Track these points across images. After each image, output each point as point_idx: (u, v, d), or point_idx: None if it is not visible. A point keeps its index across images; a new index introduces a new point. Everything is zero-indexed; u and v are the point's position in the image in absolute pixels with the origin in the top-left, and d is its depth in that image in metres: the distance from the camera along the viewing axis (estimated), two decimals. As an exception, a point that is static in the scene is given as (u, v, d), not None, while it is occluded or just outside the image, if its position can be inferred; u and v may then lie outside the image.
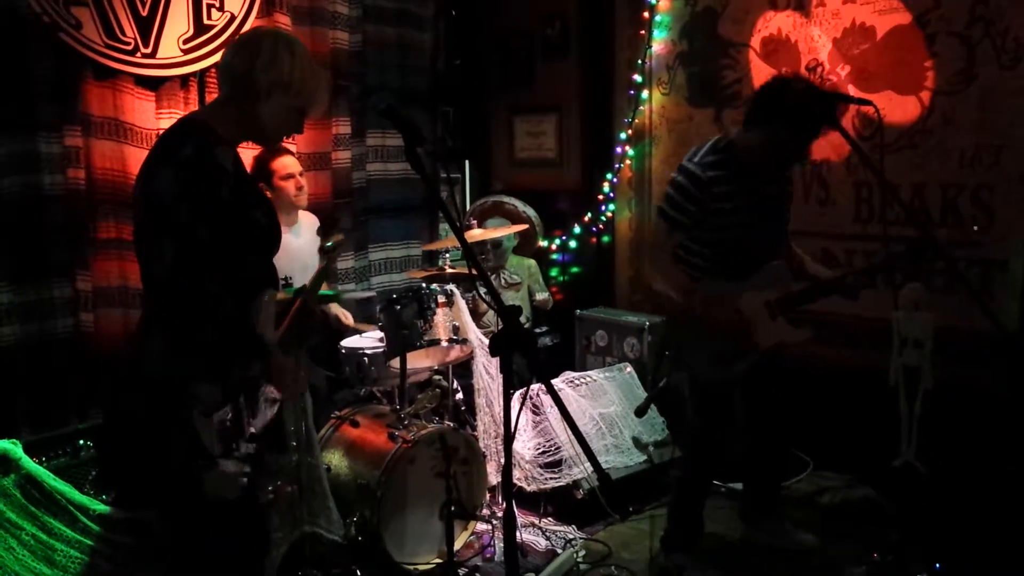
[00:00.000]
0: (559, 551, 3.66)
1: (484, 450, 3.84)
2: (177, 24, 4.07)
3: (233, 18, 4.25)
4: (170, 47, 4.05)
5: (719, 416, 3.40)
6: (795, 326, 3.27)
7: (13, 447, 3.16)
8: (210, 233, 2.02)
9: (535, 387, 4.05)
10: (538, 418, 4.12)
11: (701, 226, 3.18)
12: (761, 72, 4.60)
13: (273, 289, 2.25)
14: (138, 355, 2.12)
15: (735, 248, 3.21)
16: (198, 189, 2.02)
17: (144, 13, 3.97)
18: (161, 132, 2.20)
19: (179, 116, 4.09)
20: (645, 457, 4.24)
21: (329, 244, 2.52)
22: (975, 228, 3.78)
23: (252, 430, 2.15)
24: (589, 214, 5.49)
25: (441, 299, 3.80)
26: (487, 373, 4.05)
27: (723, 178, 3.15)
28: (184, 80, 4.16)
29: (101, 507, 3.29)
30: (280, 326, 2.23)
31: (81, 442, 3.52)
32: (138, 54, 3.95)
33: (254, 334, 2.13)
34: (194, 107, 4.20)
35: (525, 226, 4.99)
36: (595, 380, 4.47)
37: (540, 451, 4.03)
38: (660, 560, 3.49)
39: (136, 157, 4.00)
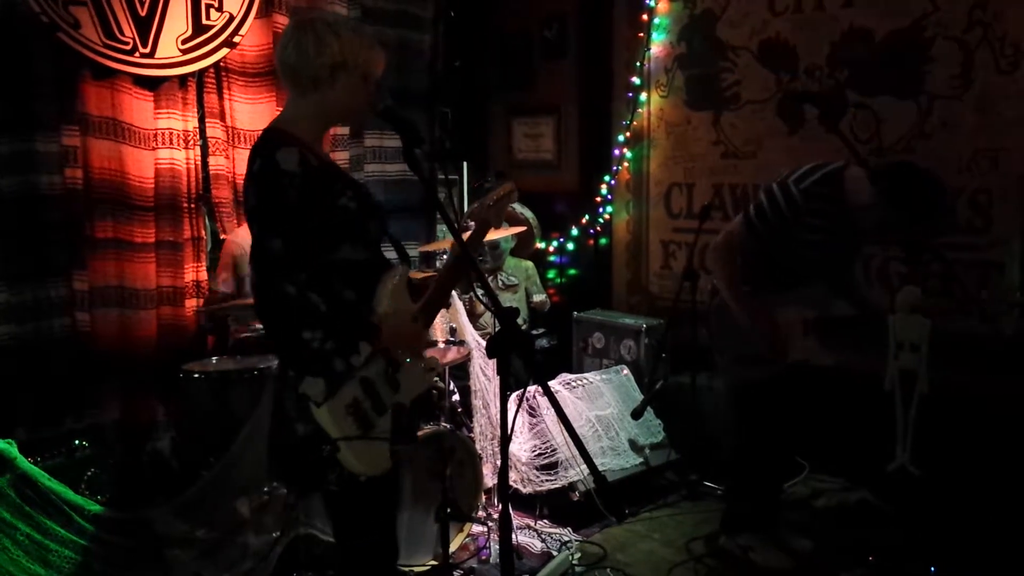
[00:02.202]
0: (555, 553, 3.66)
1: (480, 452, 3.84)
2: (176, 24, 4.07)
3: (232, 18, 4.25)
4: (169, 47, 4.05)
5: (751, 410, 3.43)
6: (827, 348, 3.27)
7: (8, 447, 3.16)
8: (283, 242, 2.05)
9: (532, 389, 4.05)
10: (535, 420, 4.12)
11: (775, 242, 3.21)
12: (759, 76, 4.61)
13: (405, 266, 2.33)
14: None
15: (795, 268, 3.26)
16: (267, 201, 2.09)
17: (143, 13, 3.97)
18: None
19: (176, 116, 4.12)
20: (641, 459, 4.24)
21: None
22: (983, 293, 3.75)
23: (397, 401, 2.23)
24: (587, 216, 5.50)
25: (438, 300, 3.79)
26: (484, 375, 4.05)
27: (819, 211, 3.15)
28: (183, 80, 4.16)
29: (96, 507, 3.29)
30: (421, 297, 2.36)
31: (77, 442, 3.52)
32: (136, 54, 3.95)
33: (359, 320, 2.20)
34: (192, 107, 4.21)
35: (523, 228, 4.99)
36: (592, 382, 4.47)
37: (536, 453, 4.03)
38: (723, 542, 3.51)
39: (134, 157, 4.00)
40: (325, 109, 2.24)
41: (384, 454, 2.19)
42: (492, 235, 4.48)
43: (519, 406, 3.99)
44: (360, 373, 2.15)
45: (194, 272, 4.29)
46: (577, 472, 3.92)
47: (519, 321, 4.78)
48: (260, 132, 2.22)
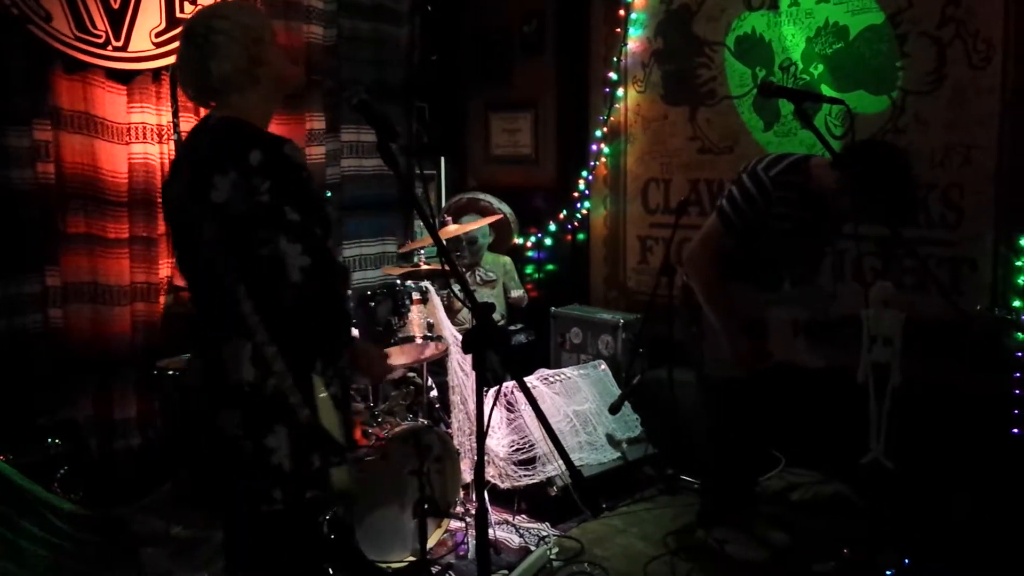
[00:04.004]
0: (532, 548, 3.66)
1: (458, 447, 3.83)
2: (149, 17, 4.02)
3: (206, 12, 4.21)
4: (142, 40, 4.01)
5: (725, 407, 3.46)
6: (813, 351, 3.28)
7: (-21, 445, 3.12)
8: (323, 231, 2.01)
9: (509, 384, 4.05)
10: (512, 415, 4.12)
11: (750, 233, 3.22)
12: (735, 71, 4.63)
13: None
14: (225, 370, 2.04)
15: (774, 260, 3.29)
16: (292, 186, 2.00)
17: (115, 6, 3.92)
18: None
19: (150, 110, 4.07)
20: (619, 454, 4.25)
21: None
22: (978, 307, 3.77)
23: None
24: (564, 211, 5.50)
25: (416, 296, 3.78)
26: (462, 370, 4.05)
27: (790, 200, 3.18)
28: (156, 74, 4.12)
29: (69, 505, 3.26)
30: None
31: (50, 440, 3.48)
32: (109, 47, 3.91)
33: (349, 325, 2.19)
34: (166, 101, 4.15)
35: (499, 216, 4.99)
36: (569, 377, 4.47)
37: (514, 448, 4.03)
38: (699, 536, 3.53)
39: (107, 151, 3.95)
40: (265, 91, 2.18)
41: (351, 472, 2.15)
42: (468, 227, 4.49)
43: (495, 401, 3.99)
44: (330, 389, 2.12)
45: (169, 268, 4.25)
46: (555, 467, 3.93)
47: (496, 316, 4.78)
48: (218, 120, 2.13)
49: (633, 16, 5.07)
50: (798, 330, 3.28)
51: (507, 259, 5.27)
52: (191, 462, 2.21)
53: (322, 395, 2.05)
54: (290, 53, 2.26)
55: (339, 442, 2.10)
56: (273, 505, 2.04)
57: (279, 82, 2.23)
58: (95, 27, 3.85)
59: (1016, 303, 3.67)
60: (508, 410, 4.13)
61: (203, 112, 4.39)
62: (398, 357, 3.96)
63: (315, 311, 2.04)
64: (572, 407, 4.30)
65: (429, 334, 3.79)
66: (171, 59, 4.12)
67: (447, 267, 2.13)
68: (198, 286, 2.18)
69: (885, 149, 3.24)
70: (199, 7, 4.15)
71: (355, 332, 2.25)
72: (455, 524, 3.77)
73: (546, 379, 4.37)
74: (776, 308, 3.28)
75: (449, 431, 3.96)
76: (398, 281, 3.92)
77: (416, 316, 3.75)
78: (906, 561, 3.16)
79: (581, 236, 5.54)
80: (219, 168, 1.99)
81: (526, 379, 4.13)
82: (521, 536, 3.79)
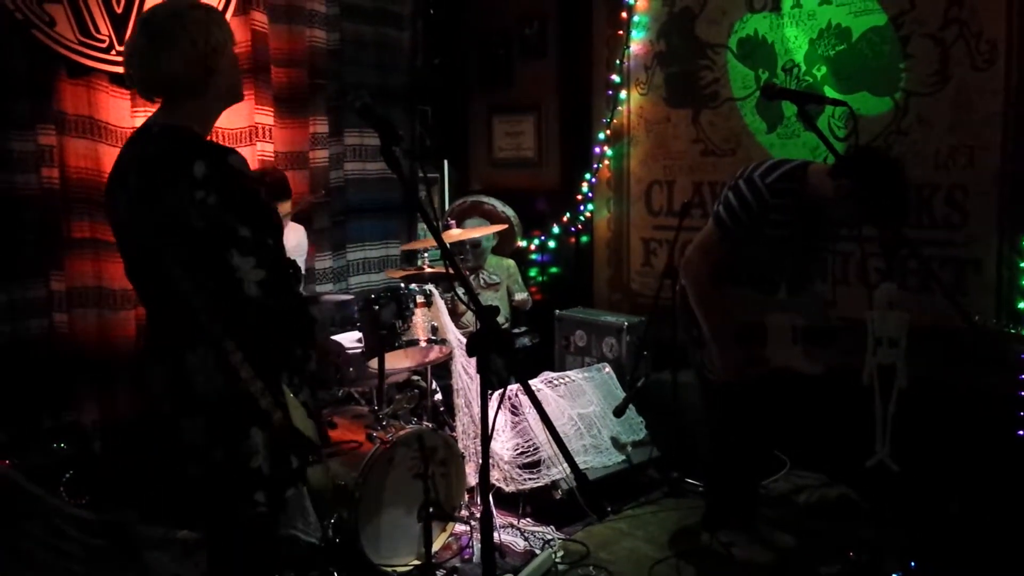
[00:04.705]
0: (537, 552, 3.66)
1: (463, 451, 3.83)
2: (152, 22, 4.03)
3: (209, 16, 4.21)
4: (145, 45, 4.01)
5: (727, 409, 3.44)
6: (812, 358, 3.28)
7: (-16, 449, 3.13)
8: (274, 240, 2.01)
9: (513, 387, 4.05)
10: (517, 418, 4.11)
11: (746, 239, 3.22)
12: (738, 73, 4.63)
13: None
14: (192, 380, 2.05)
15: (770, 264, 3.27)
16: (241, 199, 1.99)
17: (119, 11, 3.94)
18: (137, 148, 2.11)
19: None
20: (624, 457, 4.24)
21: None
22: (975, 318, 3.76)
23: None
24: (568, 214, 5.50)
25: (420, 299, 3.78)
26: (466, 373, 4.04)
27: (786, 207, 3.17)
28: (159, 78, 4.12)
29: (74, 509, 3.26)
30: None
31: (55, 444, 3.49)
32: (113, 52, 3.92)
33: (312, 331, 2.17)
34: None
35: (504, 226, 4.99)
36: (574, 380, 4.47)
37: (519, 451, 4.02)
38: (704, 539, 3.51)
39: (111, 156, 3.92)
40: (212, 98, 2.16)
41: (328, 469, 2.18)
42: (472, 233, 4.49)
43: (500, 404, 3.99)
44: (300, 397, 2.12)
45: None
46: (560, 470, 3.92)
47: (500, 319, 4.78)
48: (162, 128, 2.09)
49: (635, 18, 5.07)
50: (796, 337, 3.27)
51: (511, 262, 5.26)
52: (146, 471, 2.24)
53: (291, 397, 2.06)
54: (240, 68, 2.22)
55: (314, 441, 2.11)
56: (258, 508, 2.07)
57: (226, 96, 2.21)
58: (98, 32, 3.86)
59: (1022, 305, 3.67)
60: (512, 413, 4.12)
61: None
62: (402, 360, 3.97)
63: (277, 322, 2.04)
64: (576, 410, 4.30)
65: (433, 337, 3.79)
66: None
67: (451, 270, 2.13)
68: (151, 295, 2.16)
69: (882, 156, 3.25)
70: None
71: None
72: (460, 528, 3.77)
73: (550, 382, 4.37)
74: (774, 314, 3.28)
75: (453, 434, 3.96)
76: (402, 284, 3.92)
77: (420, 319, 3.75)
78: (912, 564, 3.15)
79: (584, 239, 5.54)
80: (165, 180, 1.98)
81: (530, 382, 4.13)
82: (526, 539, 3.78)
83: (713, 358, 3.30)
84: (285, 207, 4.07)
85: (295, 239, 4.20)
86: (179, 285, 1.99)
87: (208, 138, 2.15)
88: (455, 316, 4.32)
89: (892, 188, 3.03)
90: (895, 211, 3.09)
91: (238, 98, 2.29)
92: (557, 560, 3.56)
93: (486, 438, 2.10)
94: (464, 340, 3.93)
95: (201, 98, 2.13)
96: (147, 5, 3.99)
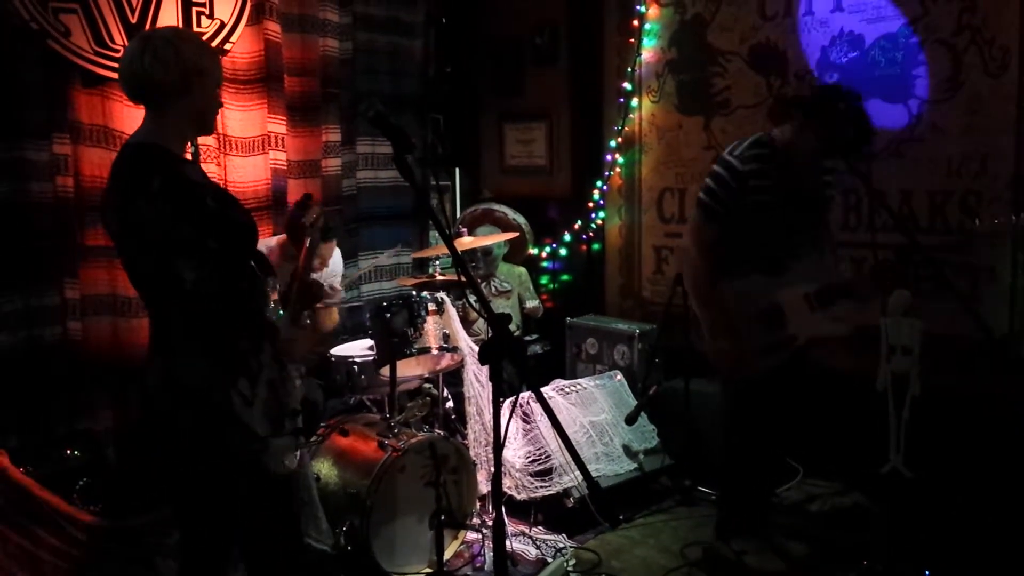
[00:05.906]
0: (549, 560, 3.66)
1: (474, 458, 3.83)
2: (166, 32, 4.06)
3: (223, 25, 4.24)
4: (159, 55, 4.04)
5: (750, 410, 3.43)
6: (835, 320, 3.28)
7: (-1, 456, 3.14)
8: (217, 242, 2.10)
9: (525, 395, 4.05)
10: (528, 426, 4.11)
11: (737, 218, 3.24)
12: (750, 80, 4.63)
13: (273, 277, 2.38)
14: (168, 370, 2.21)
15: (770, 241, 3.27)
16: (188, 207, 2.09)
17: (133, 20, 3.96)
18: (115, 165, 2.24)
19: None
20: (636, 465, 4.24)
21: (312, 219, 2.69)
22: (996, 221, 3.77)
23: (294, 406, 2.26)
24: (579, 222, 5.50)
25: (431, 307, 3.79)
26: (477, 381, 4.05)
27: (761, 171, 3.22)
28: (173, 88, 4.15)
29: (88, 517, 3.27)
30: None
31: (69, 451, 3.50)
32: (127, 61, 3.94)
33: (263, 320, 2.27)
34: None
35: (515, 234, 4.99)
36: (585, 388, 4.47)
37: (530, 459, 4.02)
38: (718, 548, 3.51)
39: (125, 165, 3.99)
40: (186, 120, 2.25)
41: (291, 452, 2.23)
42: (483, 241, 4.50)
43: (512, 412, 3.99)
44: (265, 375, 2.18)
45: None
46: (571, 478, 3.92)
47: (512, 327, 4.78)
48: (133, 147, 2.21)
49: (647, 26, 5.08)
50: (813, 305, 3.27)
51: (522, 270, 5.27)
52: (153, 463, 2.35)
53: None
54: (220, 97, 2.34)
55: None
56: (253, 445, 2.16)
57: (196, 119, 2.29)
58: (113, 42, 3.89)
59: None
60: (524, 421, 4.12)
61: (221, 125, 4.47)
62: (414, 368, 3.97)
63: (218, 318, 2.15)
64: (588, 418, 4.30)
65: (445, 345, 3.79)
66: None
67: (463, 278, 2.14)
68: (143, 299, 2.34)
69: (836, 87, 3.39)
70: (216, 21, 4.20)
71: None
72: (472, 535, 3.77)
73: (562, 390, 4.37)
74: (785, 290, 3.27)
75: (465, 442, 3.96)
76: (414, 292, 3.93)
77: (432, 327, 3.76)
78: (926, 572, 3.13)
79: (596, 246, 5.53)
80: (128, 195, 2.12)
81: (542, 390, 4.13)
82: (538, 548, 3.78)
83: (712, 352, 3.31)
84: (331, 246, 4.09)
85: (333, 258, 4.22)
86: (148, 291, 2.22)
87: (204, 143, 2.26)
88: (466, 324, 4.33)
89: (848, 112, 3.08)
90: (857, 137, 3.12)
91: (207, 130, 2.42)
92: (569, 568, 3.55)
93: (498, 446, 2.10)
94: (476, 348, 3.94)
95: (173, 112, 2.22)
96: (161, 15, 4.03)
